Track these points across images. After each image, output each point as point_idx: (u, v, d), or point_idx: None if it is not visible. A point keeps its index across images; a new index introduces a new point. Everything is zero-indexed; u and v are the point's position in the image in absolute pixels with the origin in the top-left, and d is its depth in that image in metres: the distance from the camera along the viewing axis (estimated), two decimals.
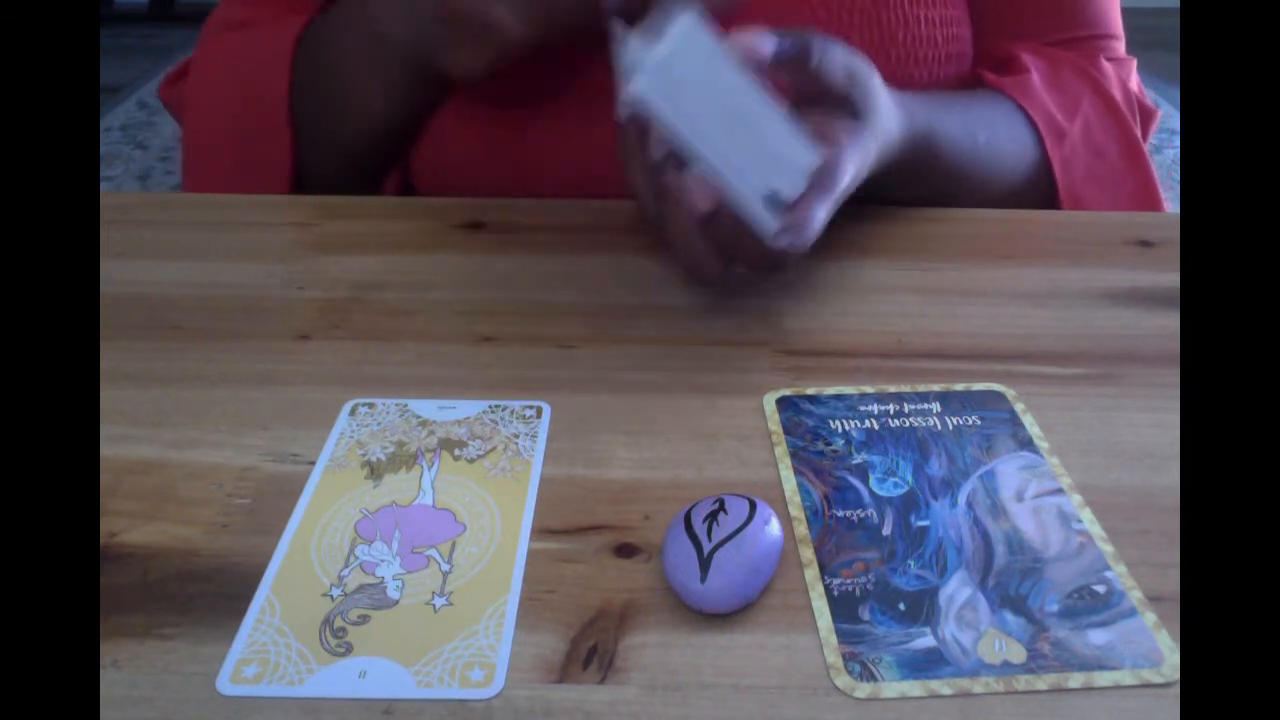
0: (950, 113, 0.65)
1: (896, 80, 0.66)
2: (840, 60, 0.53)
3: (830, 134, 0.52)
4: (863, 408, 0.48)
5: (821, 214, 0.50)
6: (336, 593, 0.39)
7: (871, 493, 0.43)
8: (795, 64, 0.51)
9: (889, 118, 0.56)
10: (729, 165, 0.48)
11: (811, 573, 0.40)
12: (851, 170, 0.52)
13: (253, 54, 0.69)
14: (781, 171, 0.49)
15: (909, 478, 0.44)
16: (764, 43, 0.50)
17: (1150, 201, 0.69)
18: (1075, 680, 0.36)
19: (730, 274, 0.53)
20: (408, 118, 0.67)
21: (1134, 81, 0.73)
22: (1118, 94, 0.70)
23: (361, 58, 0.65)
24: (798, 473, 0.44)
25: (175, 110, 0.75)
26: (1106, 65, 0.71)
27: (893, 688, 0.35)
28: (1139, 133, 0.70)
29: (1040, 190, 0.68)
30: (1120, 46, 0.74)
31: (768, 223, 0.49)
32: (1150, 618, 0.38)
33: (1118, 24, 0.74)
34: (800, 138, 0.50)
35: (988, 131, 0.66)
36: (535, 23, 0.53)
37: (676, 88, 0.47)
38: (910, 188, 0.64)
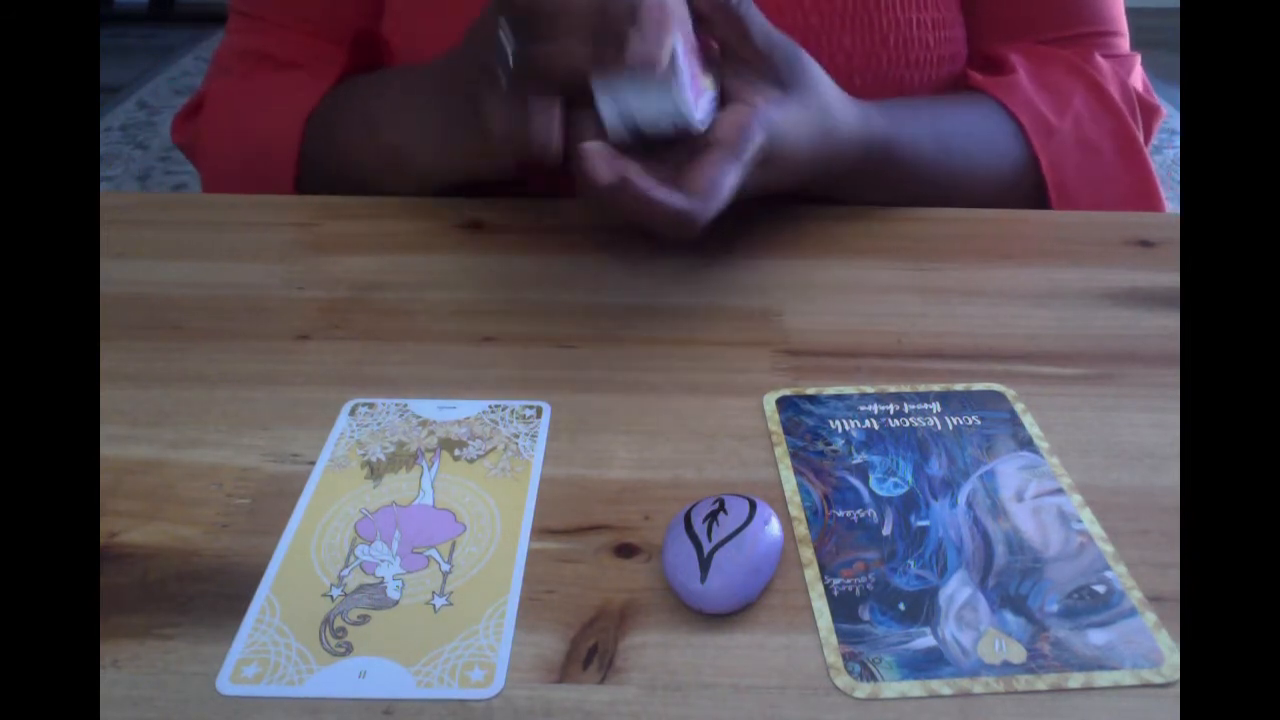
0: (919, 118, 0.65)
1: (889, 82, 0.67)
2: (759, 22, 0.53)
3: (746, 97, 0.53)
4: (863, 408, 0.48)
5: (729, 177, 0.50)
6: (336, 593, 0.39)
7: (871, 493, 0.43)
8: (728, 21, 0.53)
9: (837, 110, 0.57)
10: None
11: (811, 573, 0.40)
12: (761, 133, 0.52)
13: (263, 125, 0.70)
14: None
15: (909, 478, 0.44)
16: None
17: (1148, 198, 0.69)
18: (1075, 680, 0.36)
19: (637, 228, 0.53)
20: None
21: (1137, 78, 0.72)
22: (1114, 90, 0.69)
23: (376, 168, 0.66)
24: (798, 473, 0.44)
25: (190, 154, 0.75)
26: (1102, 62, 0.70)
27: (893, 688, 0.35)
28: (1138, 129, 0.69)
29: (1028, 190, 0.68)
30: (1123, 43, 0.73)
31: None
32: (1150, 618, 0.38)
33: (1119, 20, 0.73)
34: (697, 93, 0.51)
35: (963, 135, 0.66)
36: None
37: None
38: (874, 194, 0.65)
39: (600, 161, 0.49)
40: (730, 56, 0.54)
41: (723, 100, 0.54)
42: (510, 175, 0.62)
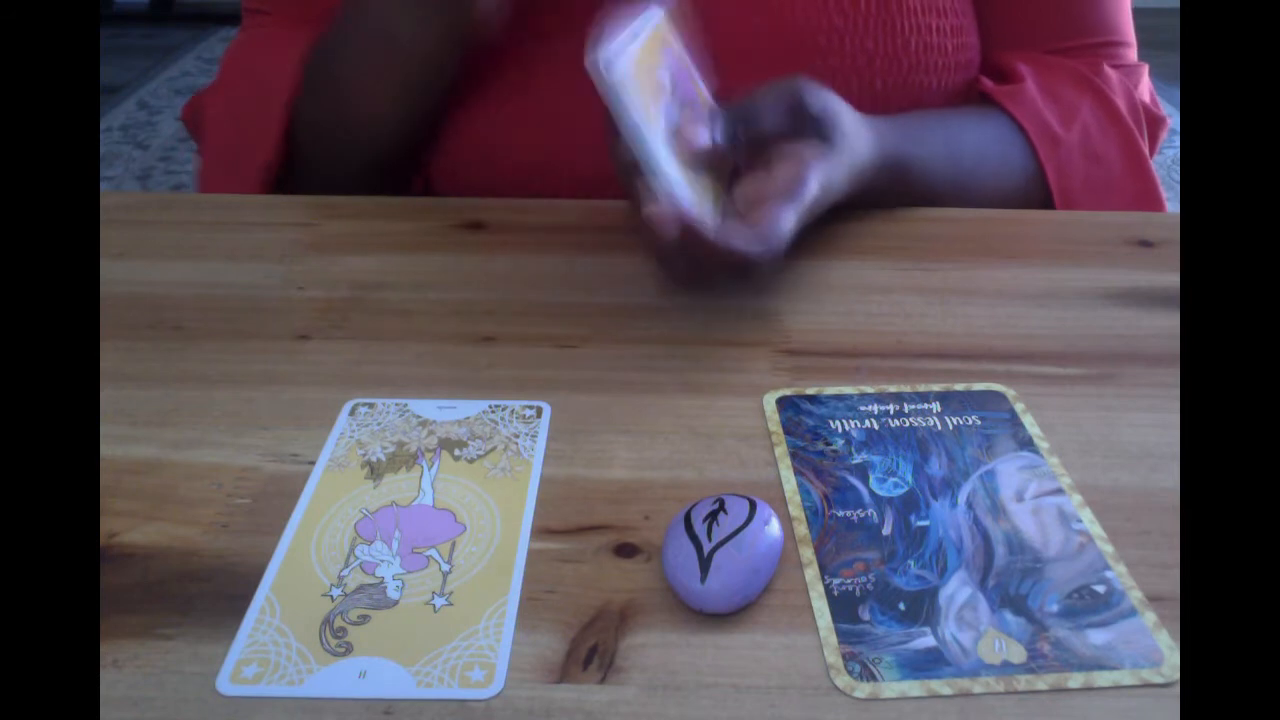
0: (929, 133, 0.66)
1: (908, 88, 0.67)
2: (773, 112, 0.55)
3: (794, 153, 0.54)
4: (863, 408, 0.48)
5: (788, 221, 0.51)
6: (336, 593, 0.39)
7: (871, 493, 0.43)
8: (726, 152, 0.53)
9: (857, 139, 0.58)
10: (664, 161, 0.50)
11: (811, 573, 0.40)
12: (816, 184, 0.53)
13: (261, 65, 0.70)
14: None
15: (909, 478, 0.44)
16: (699, 135, 0.52)
17: (1152, 209, 0.69)
18: (1075, 680, 0.36)
19: (702, 282, 0.53)
20: (418, 121, 0.68)
21: (1144, 88, 0.73)
22: (1121, 101, 0.69)
23: (370, 65, 0.65)
24: (798, 473, 0.44)
25: (192, 128, 0.76)
26: (1110, 73, 0.70)
27: (893, 688, 0.35)
28: (1143, 141, 0.70)
29: (1034, 200, 0.69)
30: (1130, 53, 0.73)
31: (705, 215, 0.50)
32: (1150, 618, 0.38)
33: (1128, 30, 0.73)
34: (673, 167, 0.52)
35: (972, 149, 0.67)
36: None
37: (629, 77, 0.49)
38: (884, 205, 0.65)
39: (667, 214, 0.49)
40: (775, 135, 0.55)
41: (770, 159, 0.55)
42: (493, 25, 0.62)
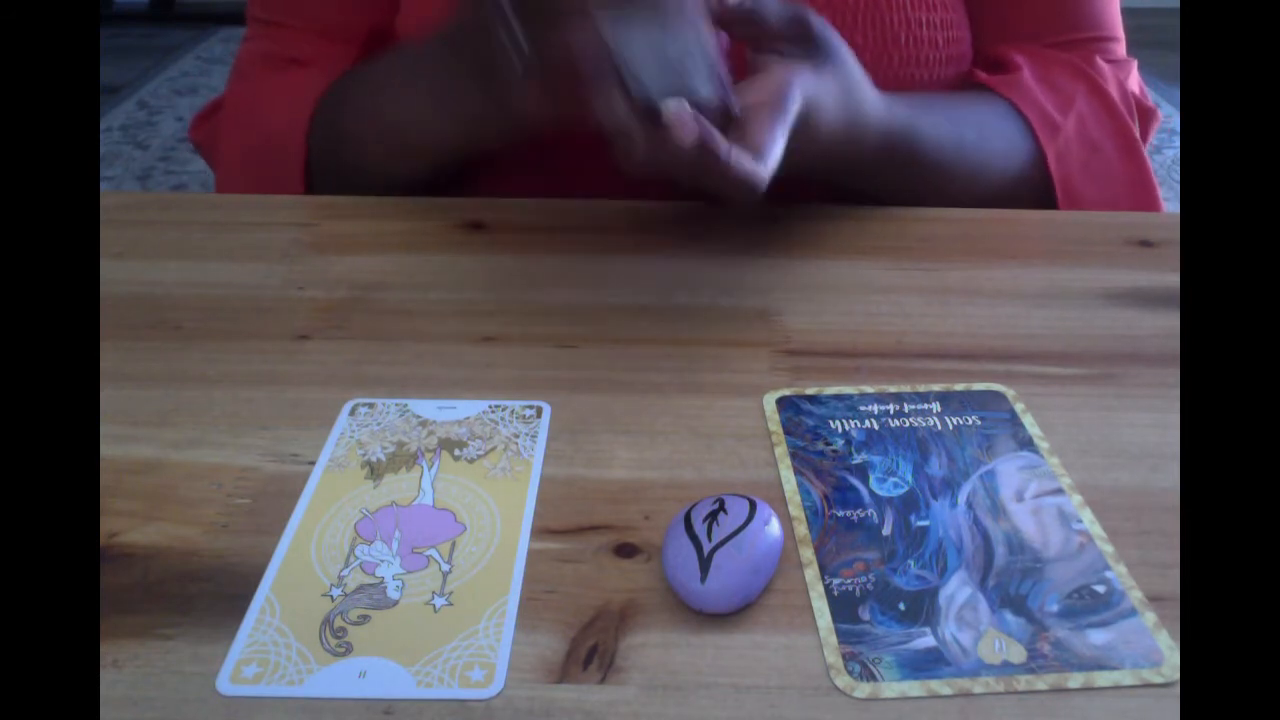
0: (935, 111, 0.65)
1: (898, 81, 0.67)
2: (777, 6, 0.53)
3: (778, 67, 0.53)
4: (863, 408, 0.48)
5: (779, 137, 0.50)
6: (336, 593, 0.39)
7: (871, 493, 0.43)
8: (744, 19, 0.53)
9: (863, 88, 0.57)
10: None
11: (811, 573, 0.40)
12: (799, 96, 0.52)
13: (273, 118, 0.70)
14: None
15: (909, 478, 0.44)
16: None
17: (1147, 197, 0.70)
18: (1075, 680, 0.36)
19: (663, 156, 0.51)
20: (427, 182, 0.68)
21: (1134, 82, 0.74)
22: (1114, 92, 0.70)
23: (379, 144, 0.66)
24: (798, 473, 0.44)
25: (205, 152, 0.76)
26: (1103, 65, 0.71)
27: (893, 688, 0.35)
28: (1136, 130, 0.70)
29: (1035, 186, 0.69)
30: (1120, 48, 0.74)
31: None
32: (1150, 618, 0.38)
33: (1117, 26, 0.75)
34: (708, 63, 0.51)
35: (976, 129, 0.67)
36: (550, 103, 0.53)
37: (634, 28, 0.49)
38: (894, 184, 0.65)
39: (687, 121, 0.48)
40: (757, 44, 0.55)
41: (754, 72, 0.54)
42: (513, 140, 0.61)
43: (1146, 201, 0.70)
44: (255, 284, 0.58)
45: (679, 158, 0.48)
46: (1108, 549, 0.41)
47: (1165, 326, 0.55)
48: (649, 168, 0.50)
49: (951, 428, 0.47)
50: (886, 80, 0.67)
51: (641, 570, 0.40)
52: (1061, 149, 0.68)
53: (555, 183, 0.67)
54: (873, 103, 0.58)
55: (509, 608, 0.38)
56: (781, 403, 0.48)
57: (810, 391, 0.49)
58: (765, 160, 0.49)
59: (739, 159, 0.48)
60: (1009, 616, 0.38)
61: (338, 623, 0.37)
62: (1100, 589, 0.39)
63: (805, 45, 0.54)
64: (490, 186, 0.68)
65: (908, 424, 0.47)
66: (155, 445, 0.46)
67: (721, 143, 0.48)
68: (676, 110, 0.48)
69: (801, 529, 0.41)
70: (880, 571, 0.40)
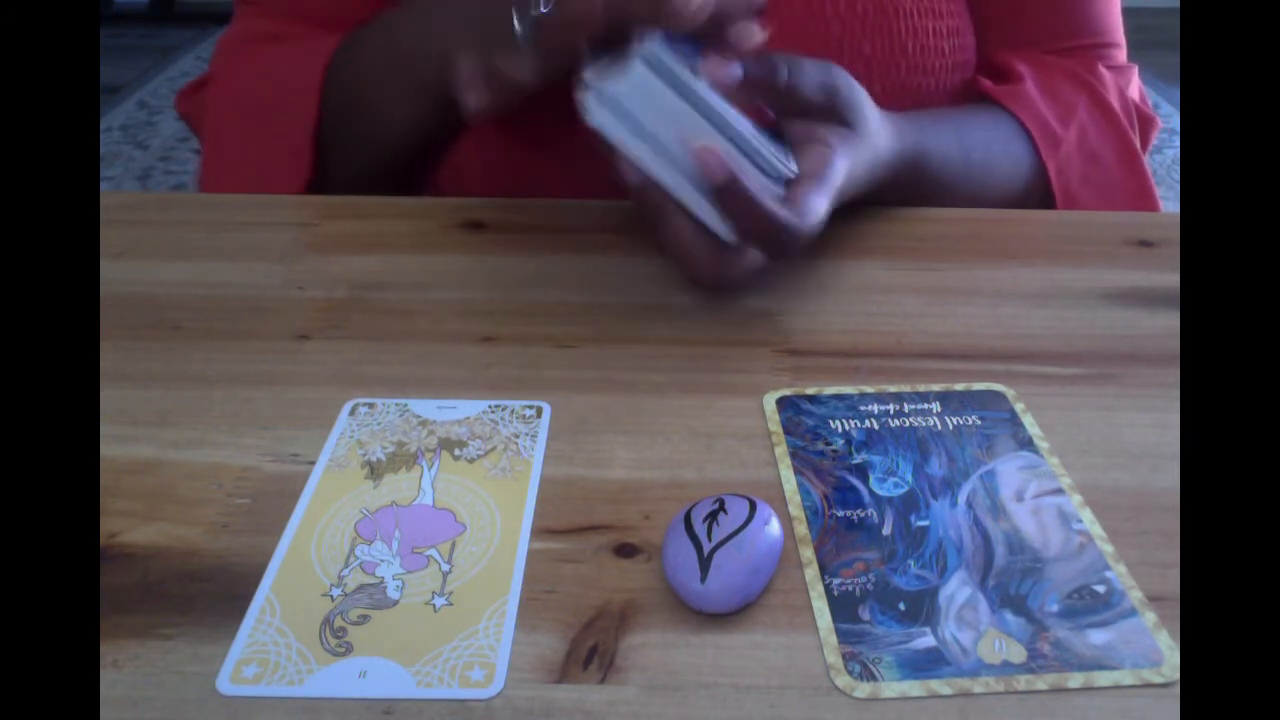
0: (942, 130, 0.66)
1: (906, 89, 0.68)
2: (813, 76, 0.54)
3: (820, 137, 0.54)
4: (863, 408, 0.48)
5: (821, 201, 0.51)
6: (336, 593, 0.39)
7: (871, 493, 0.43)
8: (766, 85, 0.53)
9: (879, 134, 0.58)
10: (694, 187, 0.51)
11: (811, 573, 0.40)
12: (844, 167, 0.53)
13: (283, 71, 0.69)
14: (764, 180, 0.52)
15: (909, 478, 0.44)
16: (730, 68, 0.51)
17: (1146, 206, 0.71)
18: (1075, 680, 0.36)
19: (727, 276, 0.53)
20: (431, 138, 0.68)
21: (1134, 89, 0.74)
22: (1115, 101, 0.71)
23: (389, 79, 0.65)
24: (798, 473, 0.44)
25: (193, 122, 0.75)
26: (1105, 73, 0.72)
27: (893, 688, 0.35)
28: (1136, 140, 0.71)
29: (1036, 198, 0.69)
30: (1121, 54, 0.75)
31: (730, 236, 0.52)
32: (1150, 618, 0.38)
33: (1118, 32, 0.75)
34: (775, 148, 0.52)
35: (982, 146, 0.68)
36: (538, 71, 0.54)
37: (633, 117, 0.49)
38: (898, 200, 0.66)
39: (715, 157, 0.49)
40: (794, 114, 0.55)
41: (795, 141, 0.55)
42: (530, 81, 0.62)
43: (1146, 209, 0.70)
44: (255, 284, 0.58)
45: (745, 273, 0.52)
46: (1108, 549, 0.41)
47: (1165, 326, 0.55)
48: (714, 283, 0.55)
49: (951, 428, 0.47)
50: (894, 88, 0.67)
51: (641, 570, 0.40)
52: (1062, 161, 0.69)
53: (524, 145, 0.67)
54: (888, 143, 0.59)
55: (509, 608, 0.38)
56: (781, 403, 0.48)
57: (810, 391, 0.49)
58: (804, 217, 0.51)
59: (774, 205, 0.50)
60: (1009, 616, 0.38)
61: (338, 623, 0.37)
62: (1100, 589, 0.39)
63: (834, 107, 0.55)
64: (466, 152, 0.68)
65: (908, 424, 0.47)
66: (155, 445, 0.46)
67: (752, 186, 0.50)
68: (707, 148, 0.49)
69: (801, 529, 0.41)
70: (880, 571, 0.40)
